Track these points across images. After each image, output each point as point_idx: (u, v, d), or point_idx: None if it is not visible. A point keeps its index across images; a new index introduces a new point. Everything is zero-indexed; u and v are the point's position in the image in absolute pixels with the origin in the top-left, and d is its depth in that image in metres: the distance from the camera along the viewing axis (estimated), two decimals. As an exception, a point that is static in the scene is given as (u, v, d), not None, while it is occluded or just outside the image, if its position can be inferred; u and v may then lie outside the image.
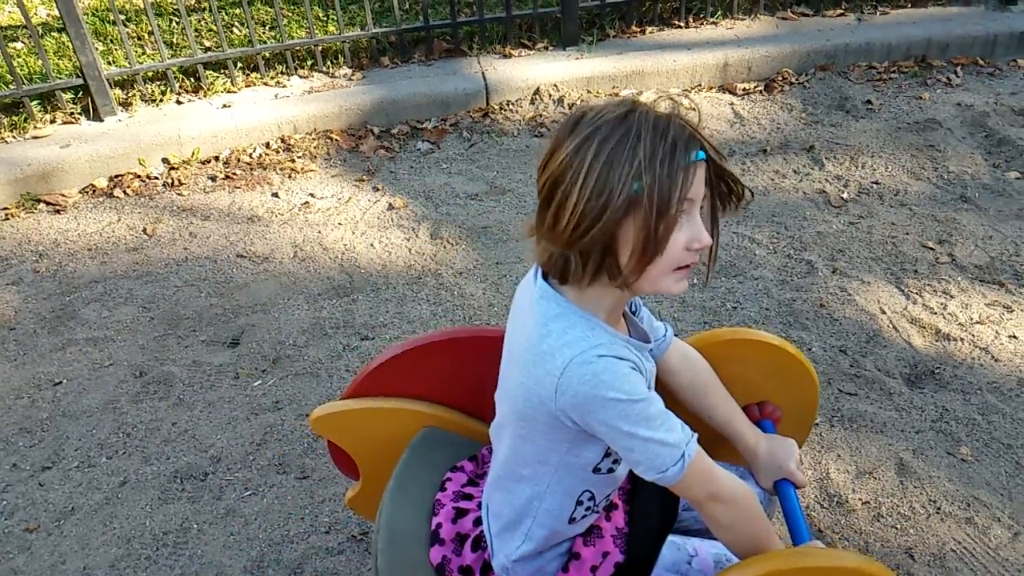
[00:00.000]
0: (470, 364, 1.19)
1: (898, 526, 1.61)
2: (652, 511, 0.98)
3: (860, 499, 1.67)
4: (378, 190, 2.91)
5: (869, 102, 3.26)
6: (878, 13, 3.77)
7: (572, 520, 1.03)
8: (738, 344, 1.21)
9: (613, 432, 0.89)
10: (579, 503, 1.01)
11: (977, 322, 2.13)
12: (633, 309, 1.09)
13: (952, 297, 2.23)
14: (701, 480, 0.92)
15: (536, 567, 1.05)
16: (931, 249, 2.44)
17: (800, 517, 1.07)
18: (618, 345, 0.91)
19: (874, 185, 2.78)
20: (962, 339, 2.07)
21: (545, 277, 0.95)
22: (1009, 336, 2.08)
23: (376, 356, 1.26)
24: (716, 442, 1.17)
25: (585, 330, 0.90)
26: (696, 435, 0.93)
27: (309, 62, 3.54)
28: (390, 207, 2.80)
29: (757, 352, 1.20)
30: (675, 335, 1.19)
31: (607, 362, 0.87)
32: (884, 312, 2.18)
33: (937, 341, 2.08)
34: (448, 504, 1.12)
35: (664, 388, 1.19)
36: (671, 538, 1.09)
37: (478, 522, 1.09)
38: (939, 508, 1.64)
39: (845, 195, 2.74)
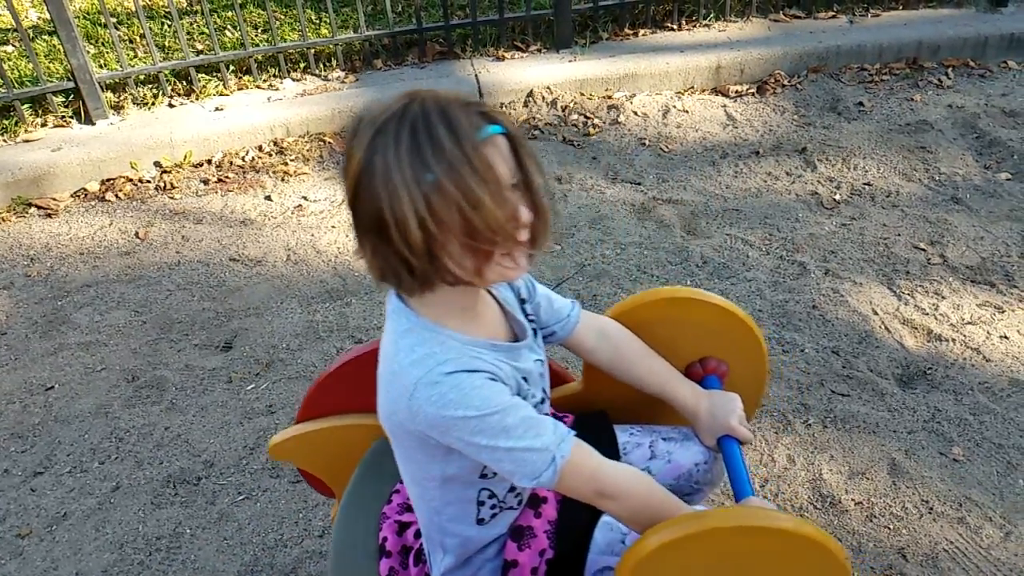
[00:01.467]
0: None
1: (891, 526, 1.62)
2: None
3: (853, 499, 1.68)
4: (372, 193, 2.90)
5: (861, 104, 3.27)
6: (869, 15, 3.79)
7: (480, 521, 0.99)
8: (667, 304, 1.16)
9: (473, 448, 0.86)
10: (480, 504, 0.98)
11: (969, 323, 2.14)
12: (524, 295, 1.06)
13: (944, 298, 2.24)
14: (584, 479, 0.89)
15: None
16: (923, 250, 2.45)
17: (743, 473, 1.04)
18: (470, 356, 0.87)
19: (866, 187, 2.79)
20: (954, 340, 2.08)
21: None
22: (1000, 336, 2.09)
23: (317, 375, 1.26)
24: (659, 405, 1.15)
25: (433, 346, 0.86)
26: (572, 433, 0.90)
27: (302, 65, 3.53)
28: (384, 210, 2.80)
29: (687, 310, 1.17)
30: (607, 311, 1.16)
31: (455, 379, 0.84)
32: (876, 313, 2.19)
33: (929, 342, 2.09)
34: (392, 517, 1.11)
35: (588, 367, 1.18)
36: (604, 518, 1.06)
37: (419, 534, 1.08)
38: (931, 508, 1.65)
39: (837, 197, 2.75)
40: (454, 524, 0.99)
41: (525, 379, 0.96)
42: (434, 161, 0.77)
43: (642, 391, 1.15)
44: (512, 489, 1.00)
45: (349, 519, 1.15)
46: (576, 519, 1.03)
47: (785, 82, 3.44)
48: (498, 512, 1.00)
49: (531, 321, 1.06)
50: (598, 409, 1.21)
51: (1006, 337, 2.09)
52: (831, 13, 3.81)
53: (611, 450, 1.12)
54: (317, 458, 1.28)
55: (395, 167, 0.77)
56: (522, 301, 1.06)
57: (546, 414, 1.04)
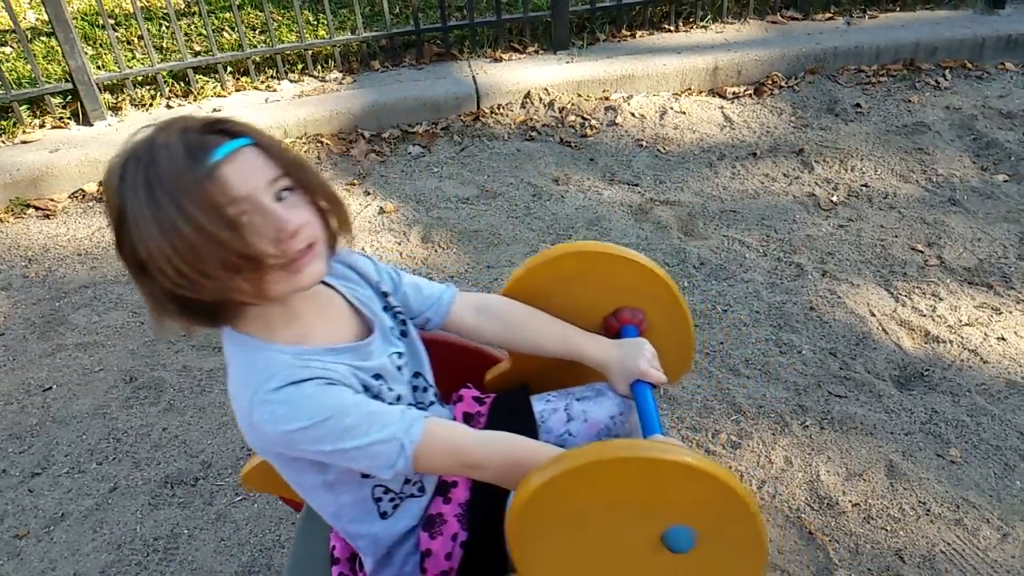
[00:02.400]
0: None
1: (888, 528, 1.62)
2: None
3: (850, 501, 1.68)
4: (369, 194, 2.91)
5: (858, 105, 3.28)
6: (867, 16, 3.80)
7: (384, 515, 1.00)
8: (558, 262, 1.14)
9: (323, 455, 0.86)
10: (377, 500, 0.99)
11: (966, 324, 2.14)
12: (387, 289, 1.06)
13: (941, 299, 2.24)
14: (443, 456, 0.89)
15: (394, 574, 1.03)
16: (920, 252, 2.45)
17: (653, 414, 1.03)
18: (297, 367, 0.86)
19: (863, 188, 2.80)
20: (951, 341, 2.08)
21: None
22: (998, 338, 2.09)
23: None
24: (583, 367, 1.15)
25: (258, 364, 0.86)
26: (424, 416, 0.90)
27: (299, 66, 3.54)
28: (381, 211, 2.80)
29: (582, 264, 1.14)
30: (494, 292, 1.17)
31: (282, 394, 0.84)
32: (873, 314, 2.20)
33: (926, 343, 2.09)
34: None
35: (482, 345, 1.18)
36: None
37: None
38: (928, 510, 1.65)
39: (834, 198, 2.75)
40: (357, 525, 1.00)
41: (378, 376, 0.95)
42: (166, 201, 0.76)
43: (545, 357, 1.14)
44: (408, 480, 1.00)
45: (306, 529, 1.17)
46: (489, 496, 1.02)
47: (782, 83, 3.45)
48: (399, 503, 1.01)
49: (398, 313, 1.05)
50: (525, 383, 1.21)
51: (1003, 339, 2.09)
52: (828, 15, 3.81)
53: (528, 423, 1.12)
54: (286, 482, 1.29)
55: (139, 213, 0.77)
56: (384, 295, 1.06)
57: (430, 403, 1.06)
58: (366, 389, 0.92)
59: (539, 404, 1.16)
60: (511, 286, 1.17)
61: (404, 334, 1.05)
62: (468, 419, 1.09)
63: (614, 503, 0.83)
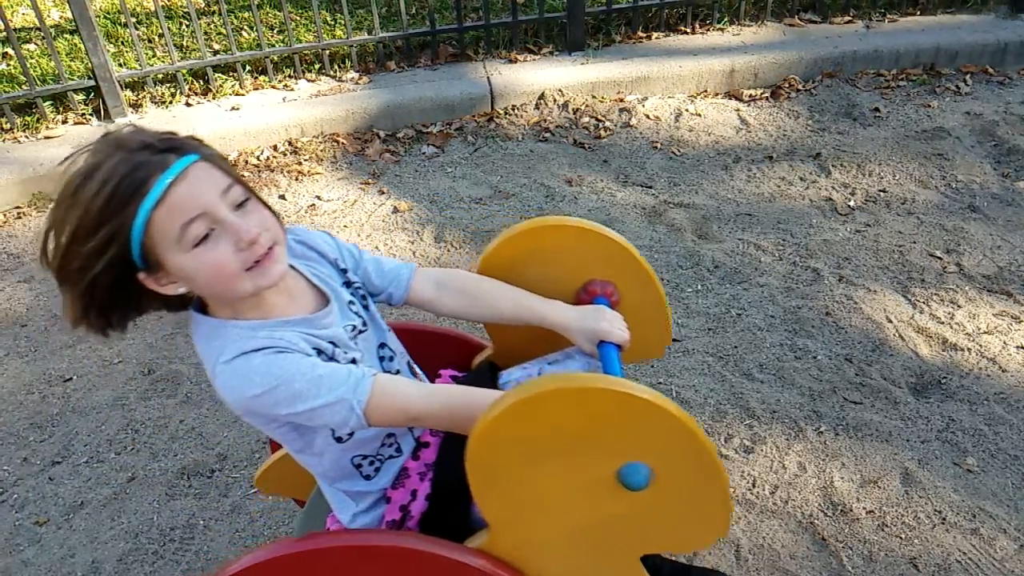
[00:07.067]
0: None
1: (903, 535, 1.61)
2: (459, 437, 0.96)
3: (865, 508, 1.67)
4: (383, 193, 2.92)
5: (877, 110, 3.25)
6: (886, 20, 3.77)
7: (368, 478, 1.08)
8: (525, 237, 1.16)
9: (282, 418, 0.93)
10: (359, 466, 1.06)
11: (984, 332, 2.12)
12: (346, 266, 1.12)
13: (959, 307, 2.22)
14: (393, 411, 0.94)
15: (370, 520, 1.11)
16: (938, 258, 2.43)
17: (615, 371, 1.06)
18: (247, 337, 0.92)
19: (881, 193, 2.78)
20: (969, 349, 2.06)
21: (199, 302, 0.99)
22: (1017, 346, 2.07)
23: None
24: (551, 341, 1.17)
25: (215, 342, 0.94)
26: (372, 374, 0.94)
27: (316, 66, 3.56)
28: (395, 210, 2.82)
29: (547, 239, 1.17)
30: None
31: (232, 366, 0.90)
32: (890, 321, 2.18)
33: (944, 351, 2.07)
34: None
35: (487, 327, 1.24)
36: None
37: None
38: (944, 518, 1.64)
39: (852, 203, 2.73)
40: (343, 483, 1.07)
41: (333, 343, 1.00)
42: (122, 219, 0.83)
43: (508, 324, 1.19)
44: (383, 443, 1.07)
45: (307, 522, 1.24)
46: (455, 454, 1.05)
47: (799, 87, 3.43)
48: (380, 465, 1.08)
49: (358, 289, 1.12)
50: (493, 362, 1.25)
51: (1023, 347, 2.07)
52: (847, 18, 3.79)
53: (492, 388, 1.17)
54: (301, 485, 1.31)
55: (88, 220, 0.84)
56: (344, 271, 1.12)
57: (397, 372, 1.12)
58: (320, 352, 0.97)
59: (516, 372, 1.21)
60: (483, 261, 1.20)
61: (366, 307, 1.12)
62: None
63: (568, 437, 0.83)
